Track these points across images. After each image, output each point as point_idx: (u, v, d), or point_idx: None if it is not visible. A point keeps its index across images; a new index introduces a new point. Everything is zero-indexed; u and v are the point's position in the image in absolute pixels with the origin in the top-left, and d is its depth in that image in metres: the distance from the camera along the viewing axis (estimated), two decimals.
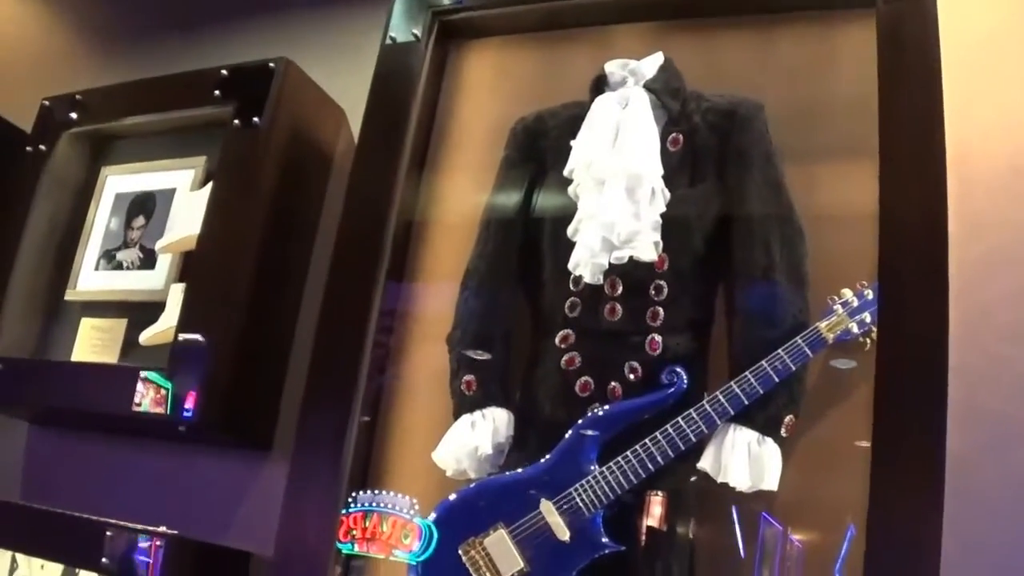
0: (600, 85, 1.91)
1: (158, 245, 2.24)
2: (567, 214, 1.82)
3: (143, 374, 2.01)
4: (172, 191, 2.36)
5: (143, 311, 2.27)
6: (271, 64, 2.17)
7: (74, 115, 2.45)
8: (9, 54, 3.15)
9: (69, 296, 2.41)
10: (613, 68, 1.90)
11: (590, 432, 1.71)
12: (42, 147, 2.46)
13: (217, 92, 2.21)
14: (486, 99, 2.15)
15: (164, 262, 2.29)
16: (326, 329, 1.91)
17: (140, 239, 2.36)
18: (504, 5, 2.09)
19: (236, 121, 2.13)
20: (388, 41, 2.08)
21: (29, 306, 2.43)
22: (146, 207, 2.39)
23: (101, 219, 2.46)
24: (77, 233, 2.48)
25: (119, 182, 2.47)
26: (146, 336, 2.17)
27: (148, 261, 2.32)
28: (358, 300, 1.90)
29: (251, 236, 2.06)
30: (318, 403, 1.86)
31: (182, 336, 1.99)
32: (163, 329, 2.14)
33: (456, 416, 1.81)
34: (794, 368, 1.63)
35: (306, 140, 2.25)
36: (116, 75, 2.60)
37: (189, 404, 1.94)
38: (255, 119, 2.10)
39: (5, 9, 3.28)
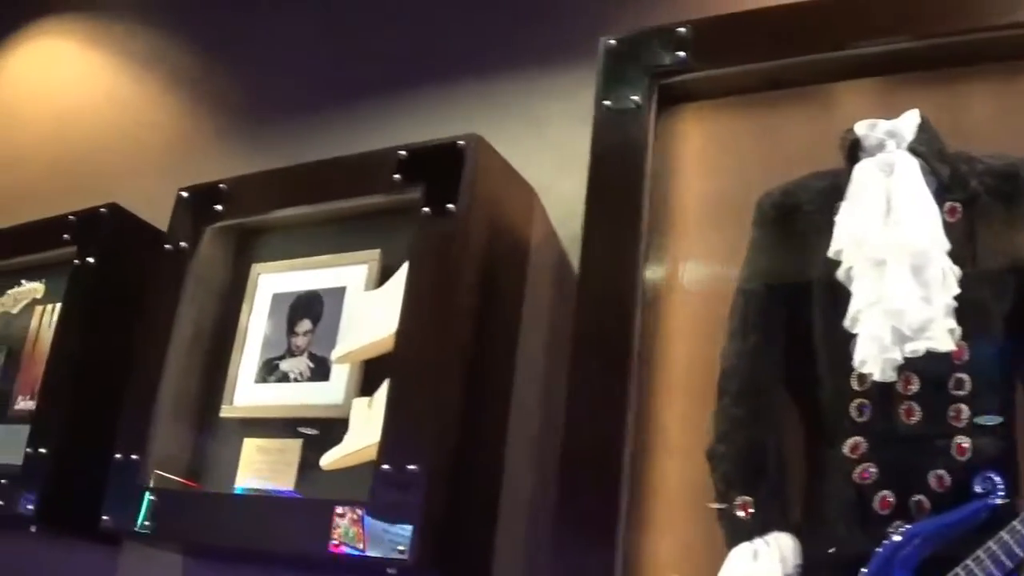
0: (855, 150, 1.77)
1: (336, 354, 2.13)
2: (839, 301, 1.68)
3: (340, 509, 1.87)
4: (342, 290, 2.25)
5: (319, 430, 2.14)
6: (460, 142, 2.05)
7: (219, 207, 2.35)
8: (129, 142, 3.08)
9: (226, 412, 2.29)
10: (865, 130, 1.76)
11: (900, 557, 1.55)
12: (183, 244, 2.36)
13: (397, 176, 2.09)
14: (708, 166, 2.03)
15: (341, 372, 2.17)
16: (576, 437, 1.76)
17: (308, 346, 2.25)
18: (729, 65, 1.96)
19: (426, 208, 2.01)
20: (604, 109, 1.95)
21: (179, 426, 2.32)
22: (312, 310, 2.28)
23: (257, 324, 2.34)
24: (228, 341, 2.37)
25: (275, 281, 2.37)
26: (330, 460, 2.05)
27: (320, 371, 2.21)
28: (609, 399, 1.76)
29: (457, 340, 1.94)
30: (575, 533, 1.71)
31: (387, 465, 1.85)
32: (350, 451, 2.02)
33: (731, 545, 1.66)
34: None
35: (502, 226, 2.14)
36: (257, 163, 2.51)
37: (403, 544, 1.80)
38: (449, 205, 1.98)
39: (114, 93, 3.23)
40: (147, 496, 2.16)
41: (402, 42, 2.67)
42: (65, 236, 2.63)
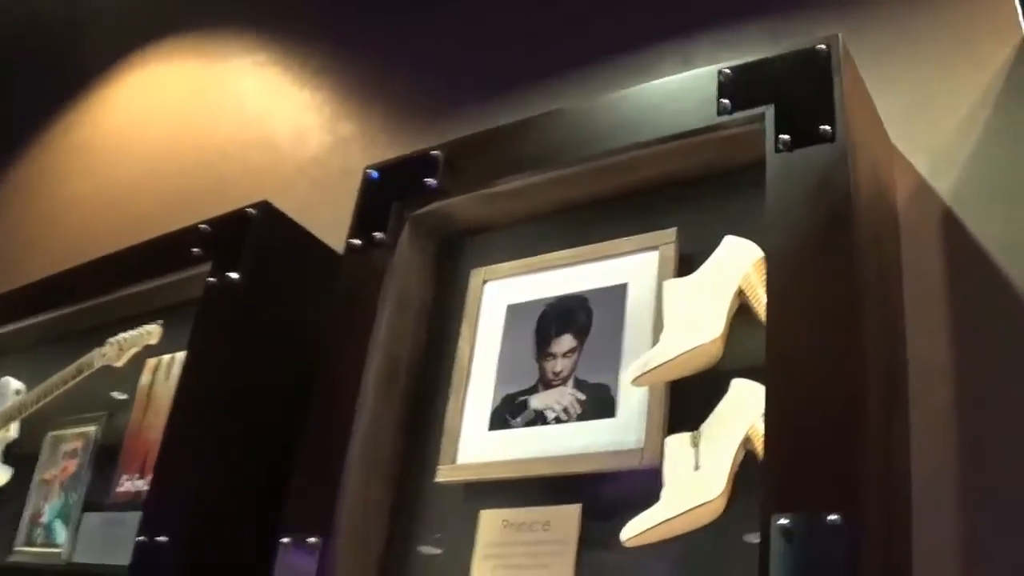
0: None
1: (633, 373, 1.40)
2: None
3: None
4: (621, 288, 1.54)
5: (604, 488, 1.41)
6: (821, 46, 1.36)
7: (432, 180, 1.66)
8: (265, 148, 2.46)
9: (445, 475, 1.57)
10: None
11: None
12: (378, 235, 1.67)
13: (724, 100, 1.40)
14: None
15: (632, 403, 1.45)
16: None
17: (573, 371, 1.53)
18: None
19: (784, 136, 1.31)
20: None
21: (375, 497, 1.58)
22: (575, 320, 1.58)
23: (486, 349, 1.65)
24: (440, 376, 1.68)
25: (507, 289, 1.68)
26: (641, 530, 1.32)
27: (598, 404, 1.49)
28: None
29: (857, 335, 1.20)
30: None
31: (783, 518, 1.11)
32: (675, 514, 1.29)
33: None
34: None
35: (872, 171, 1.43)
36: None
37: None
38: (825, 127, 1.29)
39: (238, 103, 2.63)
40: None
41: None
42: (195, 250, 1.93)
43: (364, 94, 2.46)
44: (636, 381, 1.41)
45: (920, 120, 1.59)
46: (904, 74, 1.65)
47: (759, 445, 1.30)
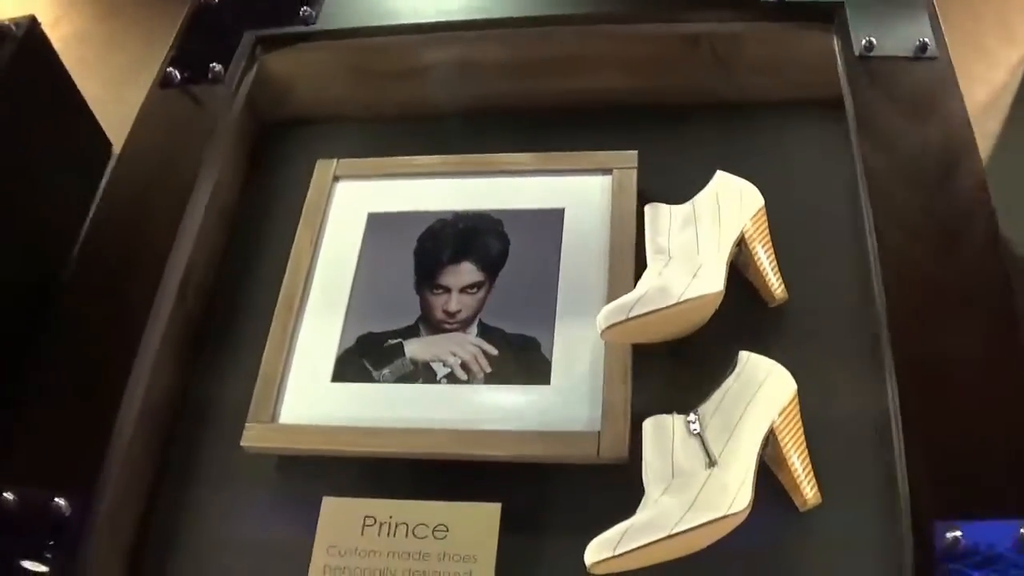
0: None
1: (608, 320, 0.94)
2: None
3: None
4: (556, 213, 1.08)
5: (528, 485, 0.93)
6: None
7: (311, 10, 1.13)
8: None
9: (256, 439, 1.02)
10: None
11: None
12: (216, 66, 1.11)
13: None
14: None
15: (577, 365, 1.00)
16: None
17: (478, 312, 1.04)
18: None
19: (869, 39, 0.94)
20: None
21: (143, 458, 1.00)
22: (483, 246, 1.09)
23: (335, 267, 1.12)
24: (258, 294, 1.12)
25: (370, 192, 1.15)
26: (617, 551, 0.85)
27: (522, 365, 1.01)
28: None
29: (1010, 290, 0.86)
30: None
31: (954, 531, 0.74)
32: (684, 529, 0.84)
33: None
34: None
35: None
36: None
37: None
38: (924, 39, 0.96)
39: None
40: None
41: None
42: None
43: None
44: (609, 332, 0.94)
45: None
46: None
47: (784, 447, 0.89)
